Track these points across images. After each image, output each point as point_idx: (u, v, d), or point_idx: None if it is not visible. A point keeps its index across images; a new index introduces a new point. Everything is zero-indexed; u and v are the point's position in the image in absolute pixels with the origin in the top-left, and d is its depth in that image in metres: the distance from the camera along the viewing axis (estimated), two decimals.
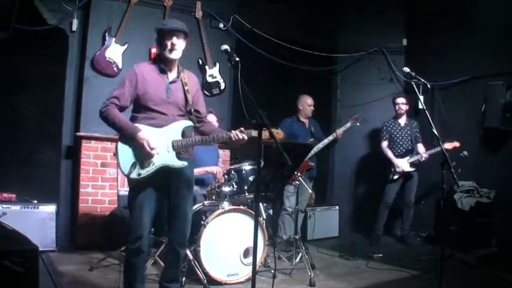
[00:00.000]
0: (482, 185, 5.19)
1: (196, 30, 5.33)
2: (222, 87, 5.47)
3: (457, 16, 5.72)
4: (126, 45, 4.85)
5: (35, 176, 4.76)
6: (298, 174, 4.24)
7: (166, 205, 2.93)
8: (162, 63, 2.89)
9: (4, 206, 4.08)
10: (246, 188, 3.91)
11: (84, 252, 4.36)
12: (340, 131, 5.05)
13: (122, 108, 2.81)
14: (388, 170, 5.39)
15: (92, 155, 4.69)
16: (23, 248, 2.22)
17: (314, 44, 6.09)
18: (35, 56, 4.68)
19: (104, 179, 4.74)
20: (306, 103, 5.20)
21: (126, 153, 2.76)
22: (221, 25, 5.50)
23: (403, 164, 5.29)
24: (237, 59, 2.51)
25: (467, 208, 4.98)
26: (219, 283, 3.59)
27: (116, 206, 4.72)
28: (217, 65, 5.41)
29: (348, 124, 5.11)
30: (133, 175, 2.73)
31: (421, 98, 4.53)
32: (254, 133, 2.79)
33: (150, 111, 2.81)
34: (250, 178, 3.93)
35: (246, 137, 2.80)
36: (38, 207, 4.24)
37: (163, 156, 2.78)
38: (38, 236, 4.02)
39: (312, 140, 5.02)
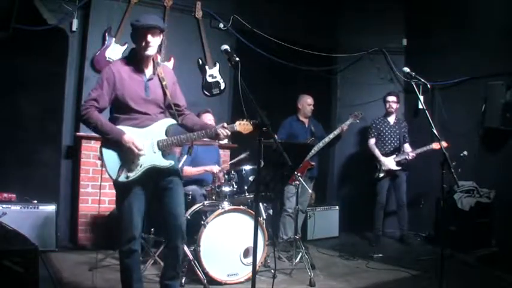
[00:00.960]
0: (482, 185, 5.19)
1: (196, 30, 5.33)
2: (222, 87, 5.47)
3: (457, 16, 5.73)
4: (126, 45, 4.84)
5: (35, 176, 4.76)
6: (298, 174, 4.23)
7: (157, 204, 2.89)
8: (137, 60, 2.80)
9: (4, 206, 4.08)
10: (246, 188, 3.91)
11: (84, 252, 4.36)
12: (343, 127, 5.03)
13: (101, 110, 2.73)
14: (374, 168, 5.42)
15: (92, 155, 4.68)
16: (23, 248, 2.23)
17: (314, 44, 6.09)
18: (35, 56, 4.67)
19: (104, 179, 4.71)
20: (306, 102, 5.20)
21: (111, 157, 2.71)
22: (221, 25, 5.50)
23: (389, 163, 5.33)
24: (237, 59, 2.51)
25: (467, 208, 4.98)
26: (219, 283, 3.59)
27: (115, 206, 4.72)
28: (217, 65, 5.41)
29: (348, 122, 5.10)
30: (122, 179, 2.70)
31: (421, 98, 4.53)
32: (238, 127, 2.79)
33: (131, 112, 2.75)
34: (250, 178, 3.93)
35: (229, 132, 2.80)
36: (38, 207, 4.24)
37: (150, 156, 2.74)
38: (38, 236, 4.03)
39: (312, 139, 5.00)
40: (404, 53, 6.37)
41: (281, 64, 5.80)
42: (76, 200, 4.68)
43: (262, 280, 3.78)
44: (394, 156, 5.34)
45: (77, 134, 4.68)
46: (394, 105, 5.50)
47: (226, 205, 3.73)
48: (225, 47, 2.63)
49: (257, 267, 3.64)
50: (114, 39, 4.80)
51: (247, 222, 3.72)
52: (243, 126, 2.80)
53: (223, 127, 2.79)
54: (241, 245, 3.69)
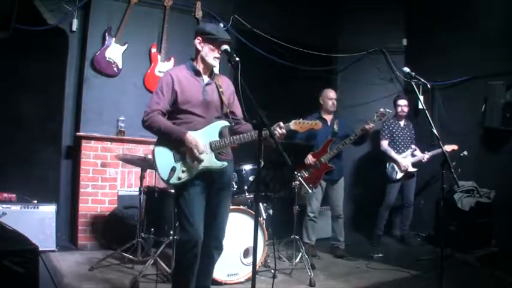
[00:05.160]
0: (482, 185, 5.19)
1: None
2: None
3: (457, 16, 5.73)
4: (126, 45, 4.85)
5: (35, 176, 4.76)
6: (298, 174, 4.22)
7: (206, 208, 2.84)
8: (196, 66, 2.84)
9: (4, 206, 4.08)
10: (246, 188, 3.91)
11: (84, 252, 4.37)
12: (369, 126, 4.61)
13: (164, 114, 2.77)
14: (390, 169, 5.38)
15: (92, 155, 4.69)
16: (23, 248, 2.22)
17: (314, 44, 6.09)
18: (35, 56, 4.67)
19: (104, 179, 4.74)
20: (327, 96, 4.88)
21: (163, 158, 2.71)
22: (221, 25, 5.49)
23: (408, 163, 5.30)
24: (237, 59, 2.51)
25: (467, 208, 4.98)
26: (219, 283, 3.59)
27: (115, 206, 4.72)
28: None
29: (374, 120, 4.72)
30: (173, 180, 2.67)
31: (421, 98, 4.52)
32: (293, 126, 2.77)
33: (188, 114, 2.75)
34: (250, 178, 3.93)
35: (285, 132, 2.71)
36: (38, 207, 4.24)
37: (203, 158, 2.70)
38: (38, 236, 4.02)
39: (331, 138, 4.78)
40: (404, 53, 6.37)
41: (281, 64, 5.80)
42: (76, 200, 4.68)
43: (262, 280, 3.78)
44: (410, 158, 5.32)
45: (77, 134, 4.68)
46: (406, 109, 5.46)
47: None
48: (225, 47, 2.64)
49: (257, 267, 3.64)
50: (114, 39, 4.80)
51: (247, 222, 3.72)
52: (298, 125, 2.79)
53: (280, 127, 2.71)
54: (241, 245, 3.69)
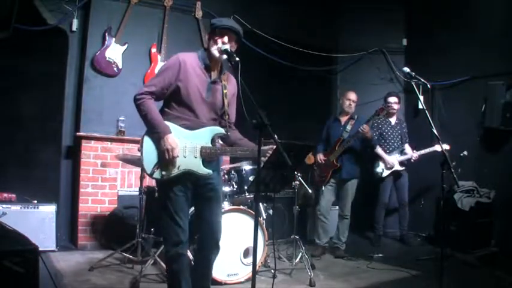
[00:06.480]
0: (482, 185, 5.19)
1: (196, 30, 5.33)
2: None
3: (457, 16, 5.73)
4: (126, 45, 4.86)
5: (35, 176, 4.76)
6: (298, 175, 4.22)
7: (195, 210, 2.83)
8: (206, 58, 2.70)
9: (4, 206, 4.08)
10: (246, 188, 3.91)
11: (84, 252, 4.37)
12: (365, 126, 4.58)
13: (158, 98, 2.64)
14: (377, 167, 5.38)
15: (92, 155, 4.69)
16: (23, 248, 2.22)
17: (314, 44, 6.10)
18: (35, 56, 4.68)
19: (104, 179, 4.74)
20: (345, 97, 4.96)
21: (151, 150, 2.59)
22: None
23: (394, 161, 5.29)
24: (237, 59, 2.50)
25: (467, 208, 4.98)
26: (219, 283, 3.58)
27: (115, 206, 4.72)
28: None
29: (368, 119, 4.71)
30: (156, 175, 2.59)
31: (421, 98, 4.52)
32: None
33: (185, 110, 2.64)
34: (250, 178, 3.93)
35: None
36: (38, 207, 4.24)
37: (190, 161, 2.61)
38: (38, 236, 4.02)
39: (339, 138, 4.79)
40: (404, 53, 6.38)
41: (281, 64, 5.80)
42: (76, 200, 4.68)
43: (262, 280, 3.78)
44: (398, 156, 5.32)
45: (77, 134, 4.69)
46: (396, 106, 5.44)
47: (226, 205, 3.73)
48: (225, 46, 2.63)
49: (257, 267, 3.64)
50: (114, 39, 4.80)
51: (247, 222, 3.72)
52: None
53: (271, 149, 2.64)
54: (241, 245, 3.69)
